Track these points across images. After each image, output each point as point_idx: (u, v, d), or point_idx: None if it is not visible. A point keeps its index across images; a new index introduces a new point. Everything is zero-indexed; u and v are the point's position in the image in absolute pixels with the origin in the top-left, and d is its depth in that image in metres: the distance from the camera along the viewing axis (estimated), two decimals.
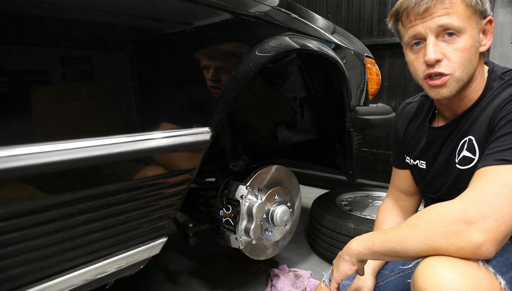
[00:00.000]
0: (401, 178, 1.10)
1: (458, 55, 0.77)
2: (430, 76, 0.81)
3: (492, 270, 0.68)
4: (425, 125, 0.97)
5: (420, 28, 0.79)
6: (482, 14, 0.79)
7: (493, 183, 0.68)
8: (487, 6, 0.79)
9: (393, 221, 1.08)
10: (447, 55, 0.78)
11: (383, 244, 0.75)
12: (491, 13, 0.81)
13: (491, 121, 0.78)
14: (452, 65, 0.78)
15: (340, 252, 0.87)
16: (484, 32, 0.81)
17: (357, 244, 0.81)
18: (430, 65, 0.79)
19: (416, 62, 0.83)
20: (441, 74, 0.79)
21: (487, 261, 0.68)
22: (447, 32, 0.77)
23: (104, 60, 0.68)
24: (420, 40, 0.81)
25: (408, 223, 0.74)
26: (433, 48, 0.78)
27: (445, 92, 0.80)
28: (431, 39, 0.78)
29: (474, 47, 0.79)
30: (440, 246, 0.68)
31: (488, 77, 0.84)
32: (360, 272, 0.85)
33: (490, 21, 0.81)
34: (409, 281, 0.90)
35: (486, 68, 0.86)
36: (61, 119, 0.62)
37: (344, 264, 0.83)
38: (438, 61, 0.78)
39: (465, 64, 0.78)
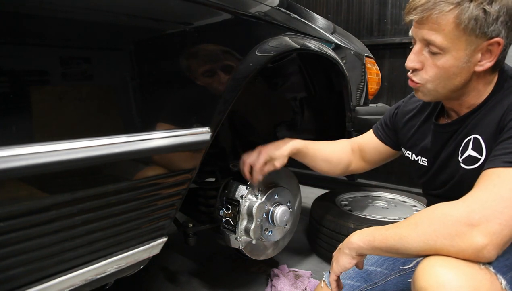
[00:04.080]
0: (370, 143, 1.16)
1: (434, 71, 0.79)
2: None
3: (493, 270, 0.67)
4: (431, 122, 0.96)
5: (413, 32, 0.81)
6: (482, 36, 0.73)
7: (499, 185, 0.67)
8: (493, 28, 0.72)
9: (331, 152, 1.17)
10: (425, 67, 0.80)
11: (383, 240, 0.75)
12: (502, 35, 0.73)
13: (500, 121, 0.76)
14: (426, 78, 0.81)
15: (341, 244, 0.87)
16: (485, 52, 0.76)
17: (358, 239, 0.81)
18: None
19: None
20: (413, 81, 0.83)
21: (490, 264, 0.68)
22: (430, 46, 0.78)
23: (104, 60, 0.68)
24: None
25: (410, 221, 0.73)
26: (413, 56, 0.81)
27: (420, 96, 0.86)
28: (416, 47, 0.81)
29: (457, 67, 0.77)
30: (441, 247, 0.68)
31: (498, 78, 0.82)
32: (359, 265, 0.86)
33: (498, 43, 0.74)
34: (409, 280, 0.90)
35: (491, 76, 0.83)
36: (61, 119, 0.62)
37: (343, 257, 0.84)
38: (415, 69, 0.82)
39: (440, 80, 0.79)
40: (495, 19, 0.72)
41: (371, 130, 1.18)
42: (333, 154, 1.18)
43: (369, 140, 1.17)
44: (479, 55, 0.76)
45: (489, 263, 0.68)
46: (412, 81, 0.84)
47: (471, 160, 0.82)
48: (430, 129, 0.96)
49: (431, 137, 0.95)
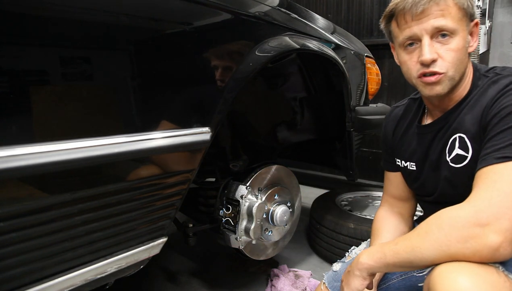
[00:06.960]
0: (393, 182, 1.08)
1: (451, 55, 0.80)
2: (424, 74, 0.83)
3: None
4: (414, 126, 0.97)
5: (415, 29, 0.81)
6: (471, 17, 0.82)
7: (500, 181, 0.67)
8: (475, 9, 0.83)
9: (390, 228, 1.04)
10: (441, 55, 0.81)
11: (395, 255, 0.73)
12: (478, 17, 0.85)
13: (482, 119, 0.78)
14: (446, 65, 0.81)
15: (348, 267, 0.85)
16: (471, 34, 0.84)
17: (367, 258, 0.79)
18: (425, 64, 0.81)
19: (409, 62, 0.85)
20: (436, 73, 0.82)
21: (506, 268, 0.67)
22: (441, 34, 0.79)
23: (104, 60, 0.68)
24: (414, 41, 0.83)
25: (419, 231, 0.72)
26: (428, 48, 0.80)
27: (439, 89, 0.83)
28: (426, 40, 0.80)
29: (465, 48, 0.82)
30: (456, 251, 0.66)
31: (473, 76, 0.86)
32: (370, 286, 0.84)
33: (476, 24, 0.84)
34: (411, 284, 0.89)
35: (471, 67, 0.88)
36: (61, 119, 0.62)
37: (355, 280, 0.81)
38: (433, 61, 0.81)
39: (457, 63, 0.81)
40: (474, 1, 0.81)
41: (385, 174, 1.11)
42: (392, 227, 1.05)
43: (391, 183, 1.09)
44: (469, 36, 0.83)
45: (508, 270, 0.67)
46: (434, 74, 0.81)
47: (459, 158, 0.83)
48: (414, 133, 0.96)
49: (416, 140, 0.95)
